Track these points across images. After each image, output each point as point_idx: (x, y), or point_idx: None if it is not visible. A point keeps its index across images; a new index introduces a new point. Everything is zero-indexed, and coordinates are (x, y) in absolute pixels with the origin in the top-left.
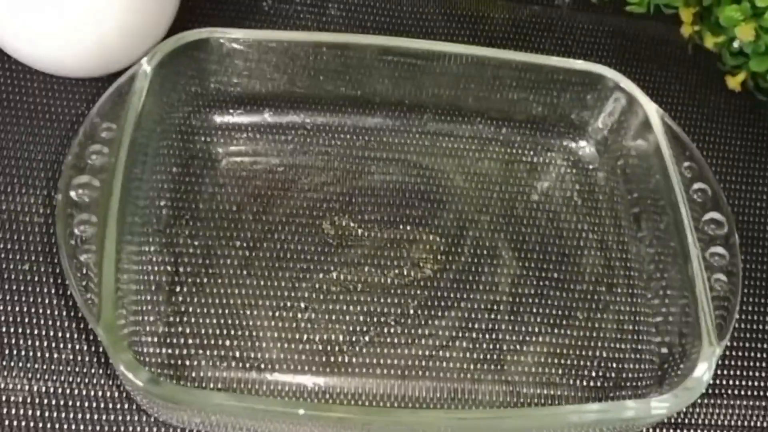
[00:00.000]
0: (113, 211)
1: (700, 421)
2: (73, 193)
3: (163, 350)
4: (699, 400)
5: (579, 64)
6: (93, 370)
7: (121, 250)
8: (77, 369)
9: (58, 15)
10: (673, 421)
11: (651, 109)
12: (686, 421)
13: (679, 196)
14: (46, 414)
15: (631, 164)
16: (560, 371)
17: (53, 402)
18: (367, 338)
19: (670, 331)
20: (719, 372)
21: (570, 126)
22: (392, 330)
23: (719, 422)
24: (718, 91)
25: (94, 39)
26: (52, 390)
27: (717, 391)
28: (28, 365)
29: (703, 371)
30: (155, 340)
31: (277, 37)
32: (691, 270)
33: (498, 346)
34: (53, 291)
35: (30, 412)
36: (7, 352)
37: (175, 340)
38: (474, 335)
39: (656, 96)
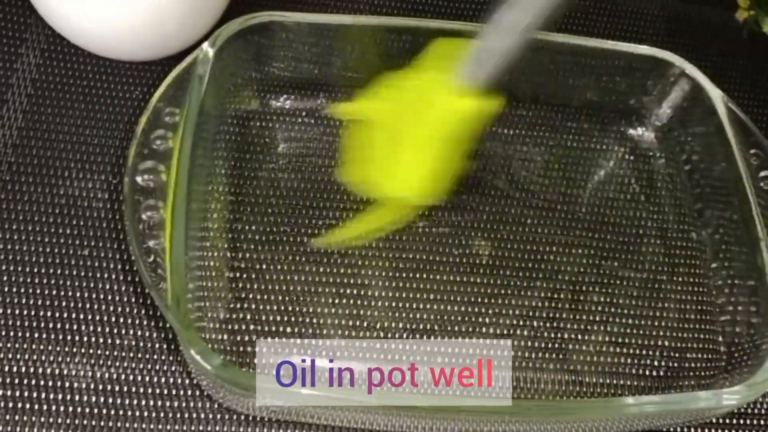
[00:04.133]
0: (181, 197)
1: (765, 411)
2: (139, 179)
3: (225, 336)
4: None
5: (643, 49)
6: (156, 356)
7: (187, 235)
8: (140, 355)
9: None
10: (737, 412)
11: (716, 95)
12: (749, 411)
13: (746, 184)
14: (110, 400)
15: (694, 151)
16: (622, 360)
17: (117, 388)
18: (428, 326)
19: (736, 321)
20: None
21: (629, 112)
22: (453, 318)
23: None
24: None
25: (151, 22)
26: (115, 376)
27: None
28: (91, 351)
29: None
30: (217, 326)
31: (334, 20)
32: (759, 259)
33: (559, 335)
34: (114, 276)
35: (94, 399)
36: (69, 338)
37: (236, 327)
38: (535, 324)
39: (714, 82)
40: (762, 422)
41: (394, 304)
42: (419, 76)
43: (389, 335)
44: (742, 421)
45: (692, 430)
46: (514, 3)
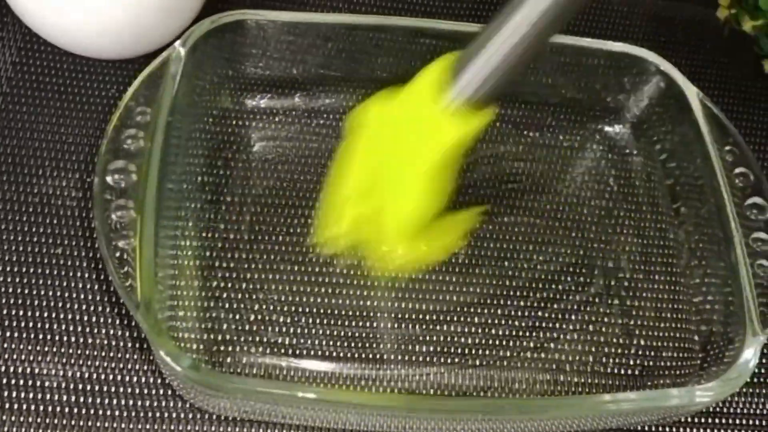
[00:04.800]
0: (151, 197)
1: (739, 411)
2: (109, 178)
3: (198, 336)
4: (740, 389)
5: (619, 47)
6: (128, 355)
7: (157, 234)
8: (112, 354)
9: None
10: (712, 409)
11: (691, 92)
12: (725, 410)
13: (720, 181)
14: (81, 399)
15: (670, 148)
16: (598, 359)
17: (88, 387)
18: (404, 326)
19: (711, 318)
20: (762, 361)
21: (606, 110)
22: (430, 317)
23: (759, 411)
24: (755, 75)
25: (125, 20)
26: (87, 375)
27: (758, 380)
28: (63, 350)
29: (749, 359)
30: (190, 325)
31: (310, 19)
32: (733, 256)
33: (535, 334)
34: (87, 275)
35: (65, 398)
36: (41, 336)
37: (209, 326)
38: (511, 323)
39: (691, 80)
40: (738, 421)
41: (368, 303)
42: (407, 102)
43: (365, 334)
44: (718, 420)
45: (668, 428)
46: (516, 6)
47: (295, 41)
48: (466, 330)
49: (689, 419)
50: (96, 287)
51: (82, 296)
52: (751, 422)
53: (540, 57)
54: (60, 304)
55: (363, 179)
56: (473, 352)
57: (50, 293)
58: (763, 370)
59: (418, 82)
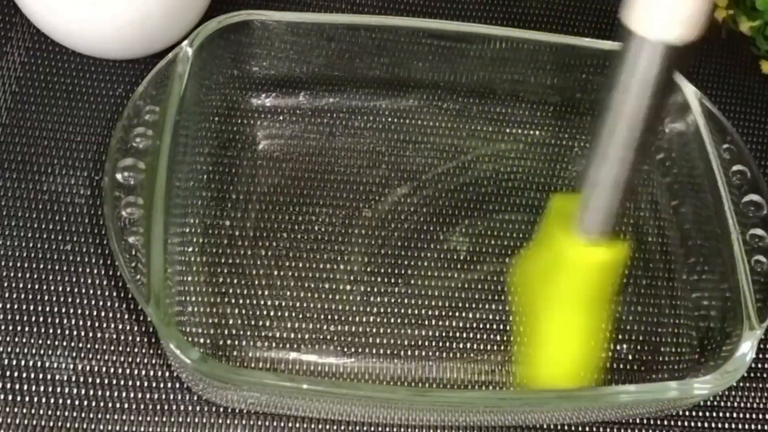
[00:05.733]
0: (160, 194)
1: (736, 404)
2: (119, 176)
3: (205, 330)
4: (736, 383)
5: (617, 46)
6: (137, 349)
7: (166, 230)
8: (121, 348)
9: None
10: (709, 403)
11: (689, 91)
12: (722, 404)
13: (718, 178)
14: (91, 392)
15: (668, 147)
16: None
17: (97, 380)
18: (406, 320)
19: (709, 314)
20: (758, 355)
21: None
22: (432, 313)
23: (756, 405)
24: (753, 75)
25: (133, 20)
26: (96, 368)
27: (754, 374)
28: (73, 344)
29: (746, 353)
30: (197, 320)
31: (314, 19)
32: (730, 252)
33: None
34: (96, 271)
35: (75, 391)
36: (51, 331)
37: (216, 321)
38: (511, 318)
39: (689, 79)
40: (735, 414)
41: (372, 299)
42: (550, 243)
43: (368, 329)
44: (716, 414)
45: (667, 421)
46: (606, 149)
47: (300, 41)
48: (468, 325)
49: (687, 412)
50: (105, 282)
51: (92, 291)
52: (747, 416)
53: (542, 55)
54: (70, 299)
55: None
56: (474, 346)
57: (60, 288)
58: (759, 365)
59: (548, 223)
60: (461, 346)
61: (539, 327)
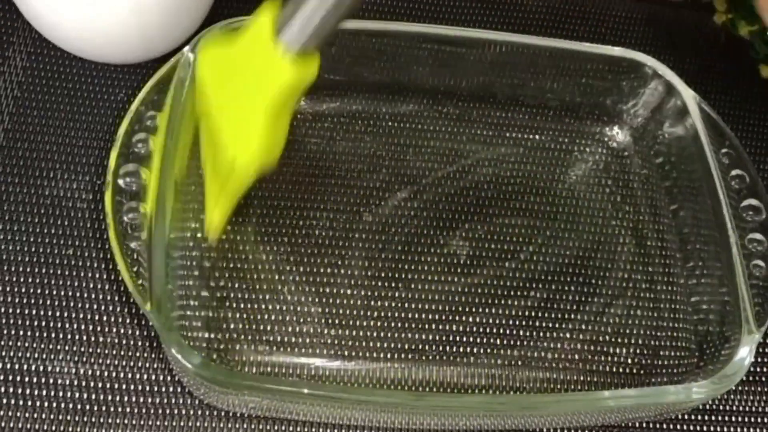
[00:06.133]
0: (161, 199)
1: (735, 408)
2: (121, 182)
3: (206, 335)
4: (735, 387)
5: (617, 51)
6: (139, 353)
7: (168, 236)
8: (123, 352)
9: (100, 1)
10: (708, 407)
11: (689, 95)
12: (721, 407)
13: (717, 183)
14: (93, 396)
15: (667, 151)
16: (597, 358)
17: (99, 384)
18: (406, 325)
19: (708, 318)
20: (756, 359)
21: (605, 113)
22: (431, 317)
23: (754, 409)
24: (752, 79)
25: (134, 25)
26: (98, 373)
27: (753, 378)
28: (75, 348)
29: (744, 357)
30: (199, 324)
31: None
32: (729, 257)
33: (535, 333)
34: (98, 275)
35: (77, 395)
36: (53, 335)
37: (217, 325)
38: (511, 322)
39: (688, 84)
40: (734, 418)
41: (372, 303)
42: (243, 42)
43: (368, 333)
44: (714, 417)
45: (666, 425)
46: None
47: None
48: (467, 329)
49: (686, 416)
50: (107, 287)
51: (93, 296)
52: (746, 419)
53: (541, 60)
54: (72, 304)
55: (210, 127)
56: (474, 351)
57: (62, 293)
58: (758, 369)
59: (250, 28)
60: (461, 350)
61: (229, 121)
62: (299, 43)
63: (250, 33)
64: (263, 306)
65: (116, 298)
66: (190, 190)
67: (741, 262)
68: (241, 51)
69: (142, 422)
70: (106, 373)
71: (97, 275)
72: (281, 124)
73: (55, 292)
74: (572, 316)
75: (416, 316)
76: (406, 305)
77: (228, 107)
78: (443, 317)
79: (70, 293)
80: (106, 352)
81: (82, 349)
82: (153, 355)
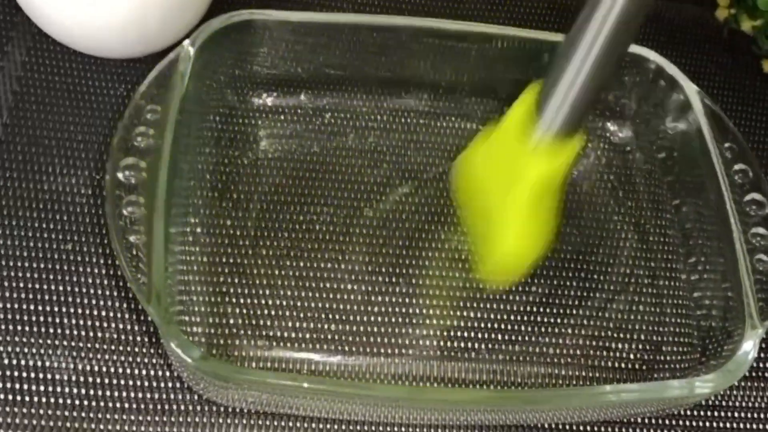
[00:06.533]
0: (161, 193)
1: (738, 404)
2: (120, 175)
3: (206, 329)
4: (738, 383)
5: None
6: (138, 348)
7: (167, 230)
8: (122, 347)
9: None
10: (711, 403)
11: (691, 90)
12: (724, 403)
13: (720, 177)
14: (92, 392)
15: (670, 146)
16: (599, 353)
17: (98, 380)
18: (407, 320)
19: (711, 313)
20: (760, 354)
21: (607, 108)
22: (431, 312)
23: (757, 404)
24: (754, 74)
25: (133, 19)
26: (97, 368)
27: (755, 374)
28: (73, 344)
29: (748, 352)
30: (199, 319)
31: (316, 18)
32: (732, 251)
33: (537, 329)
34: (97, 270)
35: (75, 391)
36: (51, 330)
37: (217, 320)
38: (513, 317)
39: (691, 78)
40: (737, 414)
41: (372, 298)
42: (500, 141)
43: (369, 328)
44: (717, 413)
45: (669, 421)
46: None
47: (301, 41)
48: (469, 325)
49: (689, 412)
50: (106, 282)
51: (93, 291)
52: (750, 415)
53: (544, 55)
54: (71, 299)
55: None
56: (475, 346)
57: (61, 288)
58: (762, 364)
59: (508, 119)
60: (462, 345)
61: (489, 223)
62: (554, 129)
63: (508, 122)
64: (263, 301)
65: (115, 293)
66: (190, 185)
67: (744, 257)
68: (501, 144)
69: (141, 417)
70: (105, 369)
71: (96, 270)
72: (541, 214)
73: (53, 287)
74: (574, 311)
75: (417, 311)
76: (407, 300)
77: (491, 200)
78: (444, 312)
79: (69, 288)
80: (105, 347)
81: (81, 345)
82: (152, 351)
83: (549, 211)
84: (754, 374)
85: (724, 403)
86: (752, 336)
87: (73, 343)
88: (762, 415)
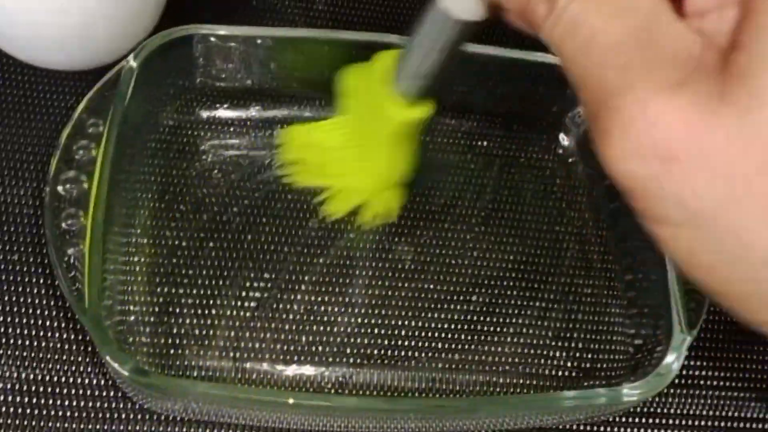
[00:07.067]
0: (100, 206)
1: (671, 411)
2: (60, 188)
3: (150, 340)
4: (671, 390)
5: (557, 59)
6: (80, 359)
7: (108, 242)
8: (64, 357)
9: (44, 6)
10: (645, 410)
11: None
12: (658, 410)
13: None
14: (34, 400)
15: None
16: (536, 361)
17: (40, 389)
18: (346, 329)
19: (644, 322)
20: (691, 363)
21: (551, 119)
22: (374, 321)
23: (690, 411)
24: None
25: (80, 31)
26: (39, 377)
27: (688, 381)
28: (16, 353)
29: (674, 359)
30: (142, 329)
31: (262, 33)
32: (664, 259)
33: (476, 337)
34: (41, 281)
35: (18, 399)
36: None
37: (161, 330)
38: (451, 325)
39: None
40: (669, 421)
41: (314, 308)
42: (369, 86)
43: (309, 338)
44: (651, 420)
45: (602, 428)
46: (427, 22)
47: (249, 55)
48: (409, 334)
49: (623, 418)
50: (50, 293)
51: (36, 301)
52: (682, 422)
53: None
54: (15, 309)
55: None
56: (415, 354)
57: (5, 298)
58: (694, 372)
59: (377, 63)
60: (403, 353)
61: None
62: (402, 92)
63: (375, 68)
64: (206, 311)
65: (59, 304)
66: (135, 196)
67: (674, 266)
68: (370, 79)
69: (81, 426)
70: (47, 378)
71: (41, 281)
72: (403, 150)
73: None
74: (513, 320)
75: (359, 320)
76: (349, 310)
77: (363, 122)
78: (385, 322)
79: (13, 298)
80: (48, 356)
81: (24, 354)
82: (94, 360)
83: (405, 154)
84: (686, 381)
85: (657, 410)
86: (678, 343)
87: (16, 353)
88: (694, 422)
